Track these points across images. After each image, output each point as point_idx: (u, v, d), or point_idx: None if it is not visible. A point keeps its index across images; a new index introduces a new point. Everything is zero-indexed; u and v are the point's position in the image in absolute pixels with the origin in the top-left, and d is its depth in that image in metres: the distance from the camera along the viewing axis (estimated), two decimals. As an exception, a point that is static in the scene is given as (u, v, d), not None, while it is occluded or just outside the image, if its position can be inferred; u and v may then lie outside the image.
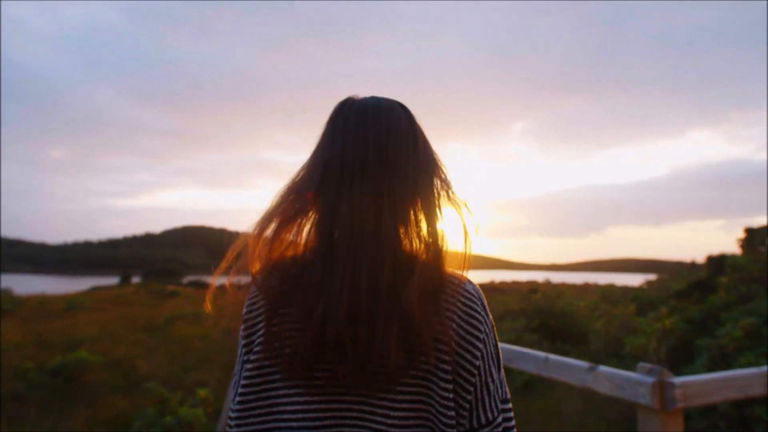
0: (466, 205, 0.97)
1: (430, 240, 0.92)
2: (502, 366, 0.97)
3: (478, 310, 0.92)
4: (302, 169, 1.01)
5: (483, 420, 0.91)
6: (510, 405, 0.96)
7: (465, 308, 0.91)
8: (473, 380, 0.90)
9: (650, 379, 1.94)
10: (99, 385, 8.40)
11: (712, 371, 7.44)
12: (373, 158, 0.93)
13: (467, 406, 0.90)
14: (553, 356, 2.48)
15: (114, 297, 26.48)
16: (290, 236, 0.96)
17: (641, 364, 2.01)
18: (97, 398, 7.76)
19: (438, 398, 0.88)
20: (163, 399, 6.55)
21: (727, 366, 7.02)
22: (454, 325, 0.90)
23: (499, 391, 0.94)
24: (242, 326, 0.98)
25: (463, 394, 0.89)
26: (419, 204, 0.93)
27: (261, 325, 0.94)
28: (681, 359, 7.91)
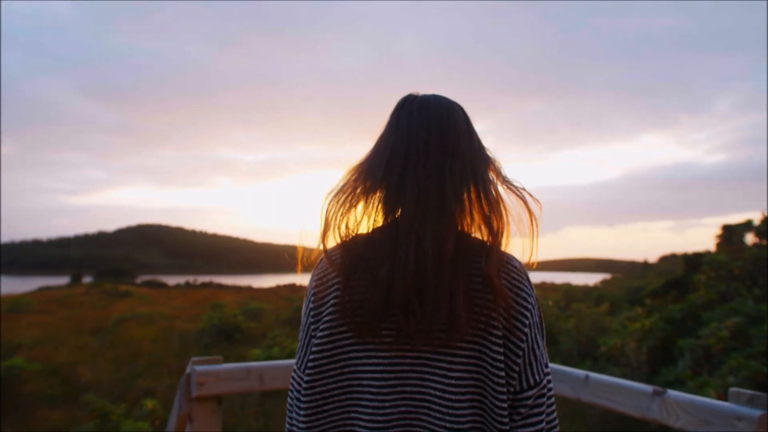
0: (525, 190, 1.06)
1: (490, 220, 1.01)
2: (545, 336, 1.05)
3: (525, 283, 1.01)
4: (369, 152, 1.10)
5: (531, 382, 0.98)
6: (549, 370, 1.04)
7: (514, 281, 1.00)
8: (522, 345, 0.97)
9: (756, 412, 1.41)
10: (34, 396, 7.58)
11: (696, 373, 7.14)
12: (434, 144, 1.02)
13: (517, 368, 0.97)
14: (596, 375, 1.95)
15: (62, 298, 25.24)
16: (358, 213, 1.05)
17: (735, 390, 1.49)
18: (31, 411, 6.96)
19: (490, 360, 0.96)
20: (104, 412, 5.83)
21: (712, 368, 6.72)
22: (511, 296, 0.98)
23: (543, 357, 1.02)
24: (311, 298, 1.06)
25: (513, 358, 0.97)
26: (477, 187, 1.02)
27: (332, 295, 1.02)
28: (661, 361, 7.59)
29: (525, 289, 1.00)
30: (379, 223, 1.04)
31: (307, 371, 1.02)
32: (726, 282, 7.98)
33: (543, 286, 25.68)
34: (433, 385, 0.97)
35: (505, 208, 1.03)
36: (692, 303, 8.01)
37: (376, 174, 1.04)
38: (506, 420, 0.95)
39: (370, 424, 0.97)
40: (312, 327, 1.05)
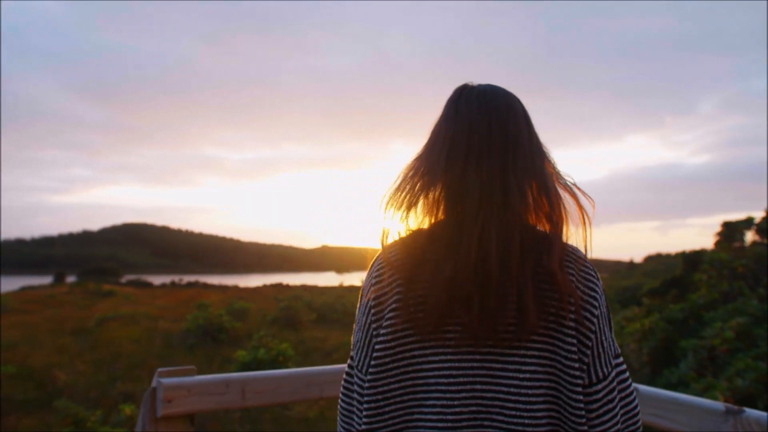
0: (575, 186, 1.05)
1: (551, 213, 1.00)
2: (612, 327, 1.03)
3: (593, 274, 1.00)
4: (425, 146, 1.08)
5: (600, 374, 0.96)
6: (621, 359, 1.02)
7: (582, 271, 0.98)
8: (591, 336, 0.95)
9: None
10: (6, 402, 7.17)
11: (701, 375, 6.90)
12: (496, 137, 1.01)
13: (586, 360, 0.95)
14: (646, 387, 1.60)
15: (44, 298, 24.75)
16: (419, 211, 1.03)
17: None
18: (1, 418, 6.55)
19: (564, 353, 0.93)
20: (79, 418, 5.47)
21: (716, 369, 6.48)
22: (579, 287, 0.96)
23: (612, 347, 1.00)
24: (371, 297, 1.02)
25: (583, 350, 0.94)
26: (539, 181, 1.01)
27: (394, 293, 0.99)
28: (663, 361, 7.34)
29: (593, 279, 0.98)
30: (440, 218, 1.03)
31: (370, 370, 0.99)
32: (728, 281, 7.75)
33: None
34: (505, 382, 0.94)
35: (563, 202, 1.02)
36: (694, 302, 7.77)
37: (435, 169, 1.02)
38: (582, 413, 0.92)
39: (439, 424, 0.95)
40: (373, 327, 1.02)
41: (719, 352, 6.64)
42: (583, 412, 0.92)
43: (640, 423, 1.01)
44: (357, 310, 1.09)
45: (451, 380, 0.95)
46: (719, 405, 1.43)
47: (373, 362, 0.99)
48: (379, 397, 0.98)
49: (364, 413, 0.99)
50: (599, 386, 0.95)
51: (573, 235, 1.02)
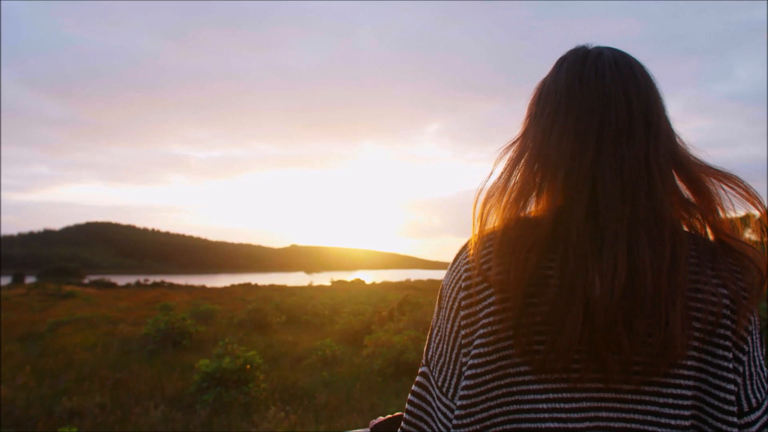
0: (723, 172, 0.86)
1: (704, 209, 0.83)
2: (764, 342, 0.88)
3: (749, 280, 0.82)
4: (535, 122, 0.88)
5: (753, 401, 0.79)
6: None
7: (737, 278, 0.81)
8: (744, 357, 0.78)
9: None
10: (-70, 422, 6.30)
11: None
12: (637, 117, 0.82)
13: (739, 381, 0.78)
14: None
15: (-2, 299, 23.39)
16: (528, 205, 0.84)
17: None
18: None
19: (715, 370, 0.76)
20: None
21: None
22: (741, 293, 0.80)
23: (765, 369, 0.83)
24: (461, 304, 0.85)
25: (737, 368, 0.79)
26: (681, 172, 0.84)
27: (495, 313, 0.80)
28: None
29: (748, 285, 0.80)
30: (560, 218, 0.80)
31: (461, 395, 0.81)
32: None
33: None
34: (640, 408, 0.75)
35: (715, 193, 0.83)
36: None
37: (555, 154, 0.81)
38: None
39: None
40: (463, 342, 0.83)
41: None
42: None
43: None
44: (437, 312, 0.92)
45: (573, 405, 0.77)
46: None
47: (465, 383, 0.81)
48: (478, 427, 0.80)
49: None
50: (753, 416, 0.78)
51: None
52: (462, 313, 0.84)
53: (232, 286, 47.04)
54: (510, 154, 0.89)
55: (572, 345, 0.74)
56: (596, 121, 0.81)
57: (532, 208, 0.84)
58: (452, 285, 0.87)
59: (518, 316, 0.77)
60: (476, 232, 0.86)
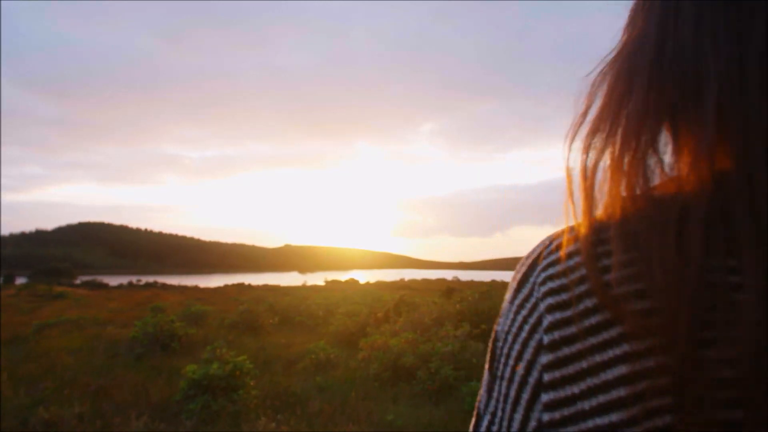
0: None
1: None
2: None
3: None
4: (639, 50, 0.49)
5: None
6: None
7: None
8: None
9: None
10: None
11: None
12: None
13: None
14: None
15: (-15, 301, 22.87)
16: (650, 162, 0.47)
17: None
18: None
19: None
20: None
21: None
22: None
23: None
24: (525, 351, 0.46)
25: None
26: None
27: (610, 367, 0.42)
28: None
29: None
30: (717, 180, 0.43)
31: None
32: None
33: (493, 285, 24.88)
34: None
35: None
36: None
37: (707, 66, 0.43)
38: None
39: None
40: (545, 418, 0.43)
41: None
42: None
43: None
44: (494, 357, 0.49)
45: None
46: None
47: None
48: None
49: None
50: None
51: None
52: (549, 378, 0.44)
53: (226, 287, 46.54)
54: (625, 84, 0.48)
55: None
56: (745, 47, 0.43)
57: (666, 160, 0.46)
58: (523, 313, 0.47)
59: (688, 371, 0.39)
60: (577, 221, 0.47)
